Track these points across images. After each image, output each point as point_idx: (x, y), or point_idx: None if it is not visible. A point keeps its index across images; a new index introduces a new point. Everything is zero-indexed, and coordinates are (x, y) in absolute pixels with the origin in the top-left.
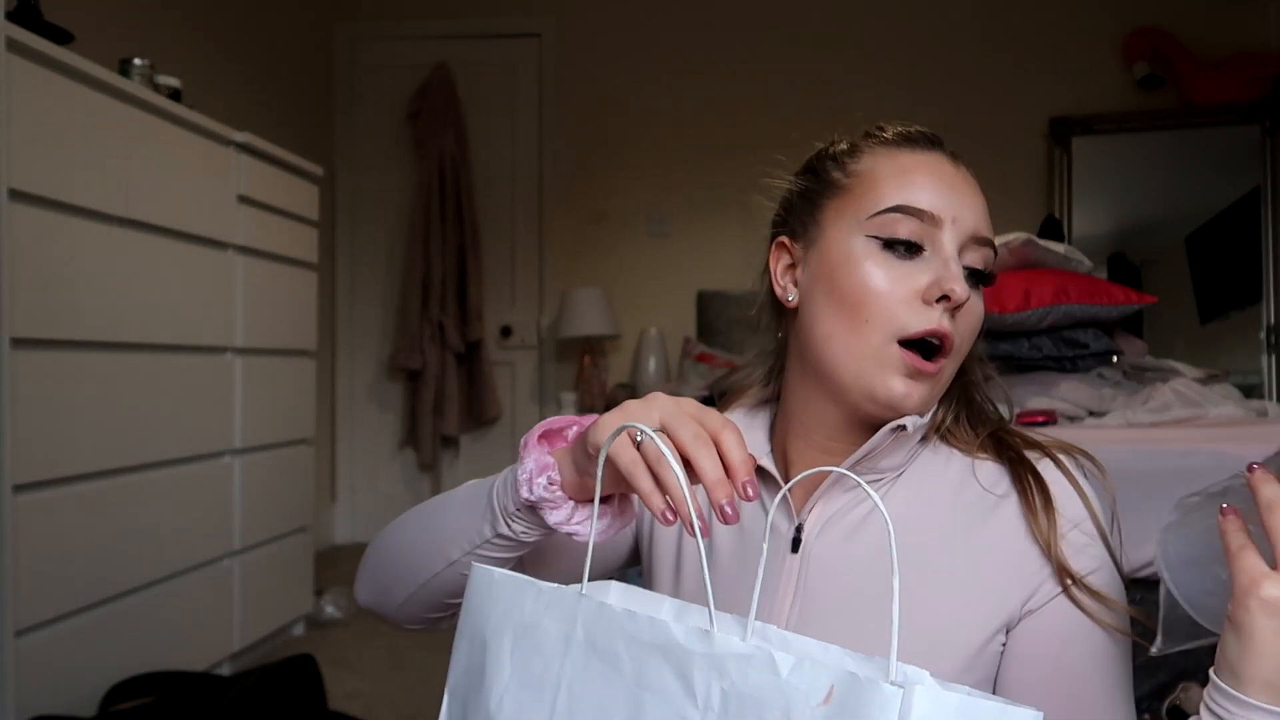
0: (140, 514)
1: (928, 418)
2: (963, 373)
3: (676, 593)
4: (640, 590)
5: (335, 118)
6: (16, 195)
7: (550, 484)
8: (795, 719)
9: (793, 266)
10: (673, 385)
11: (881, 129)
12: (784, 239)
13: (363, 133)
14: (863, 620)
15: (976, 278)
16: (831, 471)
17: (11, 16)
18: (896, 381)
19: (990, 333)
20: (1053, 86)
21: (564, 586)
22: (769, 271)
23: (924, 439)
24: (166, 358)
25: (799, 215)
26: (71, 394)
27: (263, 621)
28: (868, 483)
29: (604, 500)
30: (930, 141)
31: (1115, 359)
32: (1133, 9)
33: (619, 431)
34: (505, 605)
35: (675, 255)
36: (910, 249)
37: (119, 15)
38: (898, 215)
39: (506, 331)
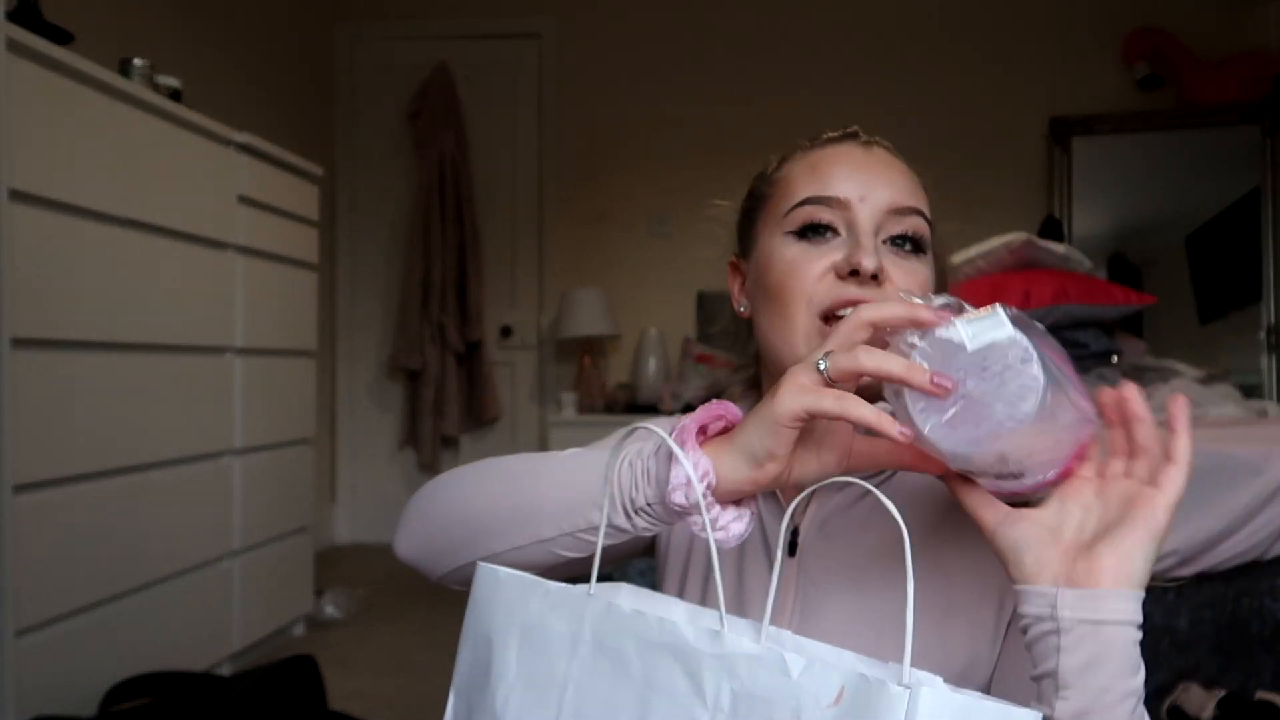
0: (140, 514)
1: None
2: None
3: (682, 594)
4: (650, 593)
5: (335, 118)
6: (16, 195)
7: (708, 489)
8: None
9: (744, 282)
10: (672, 385)
11: (806, 140)
12: (735, 259)
13: (363, 133)
14: (864, 620)
15: (904, 242)
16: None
17: (11, 16)
18: None
19: None
20: (1053, 86)
21: (572, 586)
22: (731, 293)
23: None
24: (166, 358)
25: (742, 235)
26: (71, 394)
27: (263, 622)
28: (866, 480)
29: (739, 502)
30: (844, 136)
31: (1115, 359)
32: (1133, 9)
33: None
34: (511, 605)
35: (675, 255)
36: (820, 231)
37: (119, 15)
38: (808, 207)
39: (506, 331)
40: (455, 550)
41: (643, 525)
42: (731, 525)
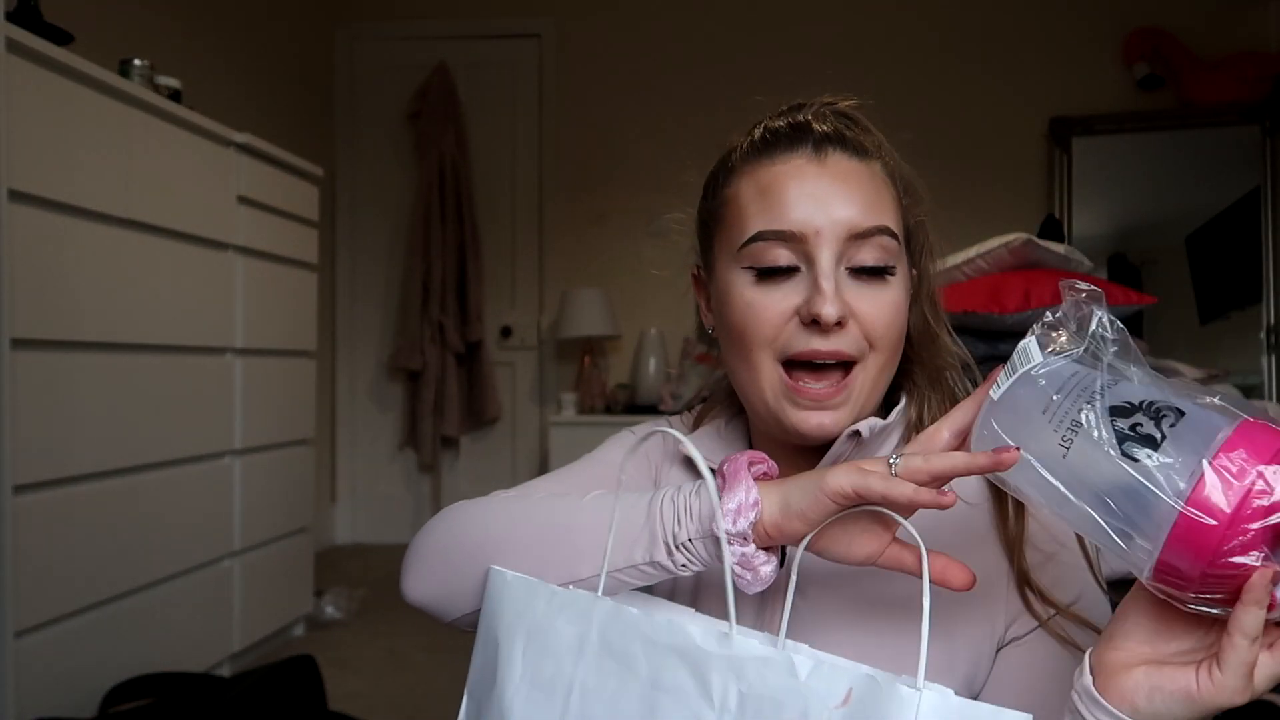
0: (140, 515)
1: (894, 419)
2: (934, 358)
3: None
4: (655, 599)
5: (335, 118)
6: (16, 196)
7: (753, 522)
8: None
9: (709, 300)
10: (672, 386)
11: (750, 133)
12: (697, 270)
13: (363, 133)
14: (861, 629)
15: (871, 273)
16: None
17: (11, 17)
18: (799, 415)
19: (990, 333)
20: (1053, 87)
21: (579, 590)
22: (699, 305)
23: (906, 439)
24: (166, 358)
25: (703, 246)
26: (71, 394)
27: (263, 622)
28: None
29: (770, 548)
30: (790, 140)
31: None
32: (1133, 9)
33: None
34: (517, 607)
35: (675, 255)
36: (784, 273)
37: (119, 16)
38: (762, 244)
39: (506, 332)
40: (469, 594)
41: (682, 562)
42: (762, 567)
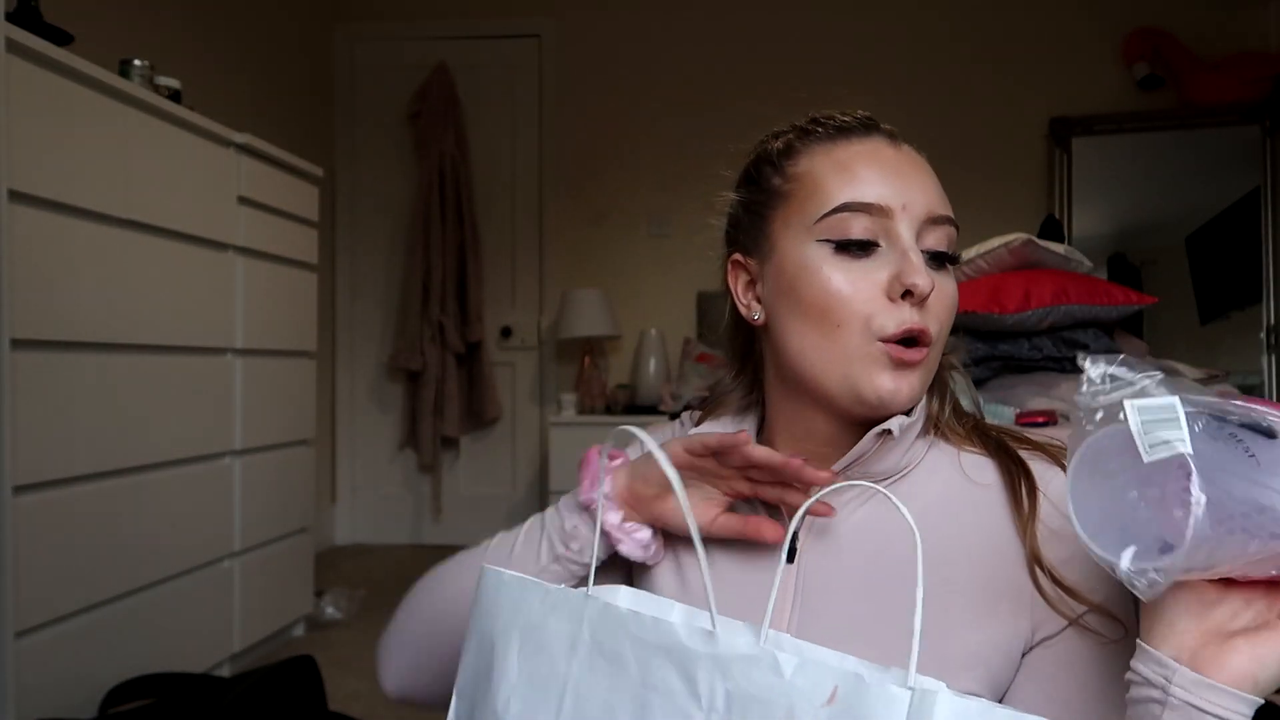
0: (140, 515)
1: (917, 416)
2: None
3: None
4: (648, 595)
5: (335, 119)
6: (16, 196)
7: (606, 493)
8: (799, 719)
9: (752, 283)
10: (673, 386)
11: (816, 123)
12: (738, 256)
13: (363, 133)
14: (864, 629)
15: (941, 259)
16: (834, 483)
17: (11, 18)
18: (884, 378)
19: (990, 333)
20: (1053, 87)
21: (570, 589)
22: (730, 291)
23: (924, 434)
24: (166, 359)
25: (747, 230)
26: (71, 395)
27: (263, 623)
28: (863, 489)
29: (654, 533)
30: (865, 127)
31: None
32: (1133, 9)
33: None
34: (512, 606)
35: (675, 255)
36: (865, 247)
37: (119, 16)
38: (845, 214)
39: (507, 332)
40: (440, 667)
41: (577, 548)
42: (634, 534)
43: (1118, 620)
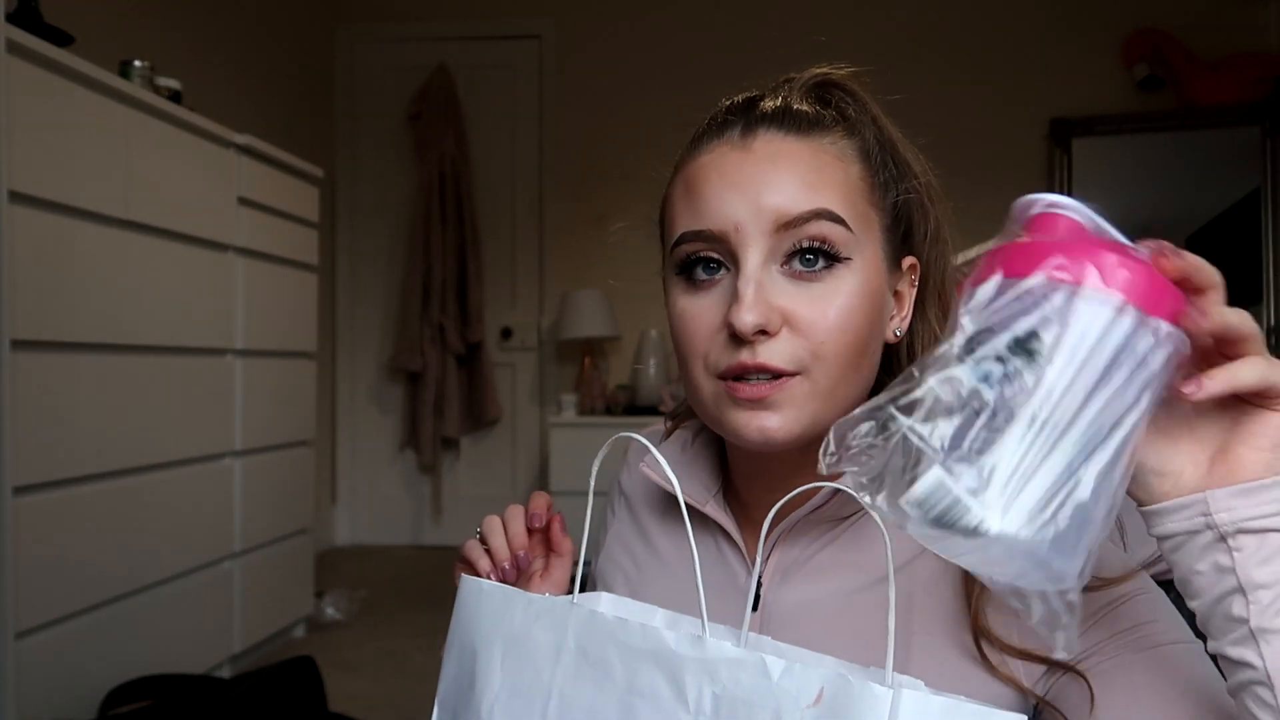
0: (140, 516)
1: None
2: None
3: None
4: (631, 602)
5: (335, 119)
6: (17, 197)
7: None
8: None
9: None
10: (672, 387)
11: (702, 124)
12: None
13: (363, 134)
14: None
15: (814, 263)
16: (788, 517)
17: (12, 18)
18: (739, 417)
19: None
20: (1053, 87)
21: (554, 597)
22: None
23: None
24: (167, 359)
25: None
26: (71, 396)
27: (263, 624)
28: (827, 528)
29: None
30: (720, 126)
31: None
32: (1133, 10)
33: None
34: (494, 615)
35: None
36: (709, 269)
37: (119, 17)
38: (684, 246)
39: (507, 333)
40: None
41: None
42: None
43: (1083, 678)
